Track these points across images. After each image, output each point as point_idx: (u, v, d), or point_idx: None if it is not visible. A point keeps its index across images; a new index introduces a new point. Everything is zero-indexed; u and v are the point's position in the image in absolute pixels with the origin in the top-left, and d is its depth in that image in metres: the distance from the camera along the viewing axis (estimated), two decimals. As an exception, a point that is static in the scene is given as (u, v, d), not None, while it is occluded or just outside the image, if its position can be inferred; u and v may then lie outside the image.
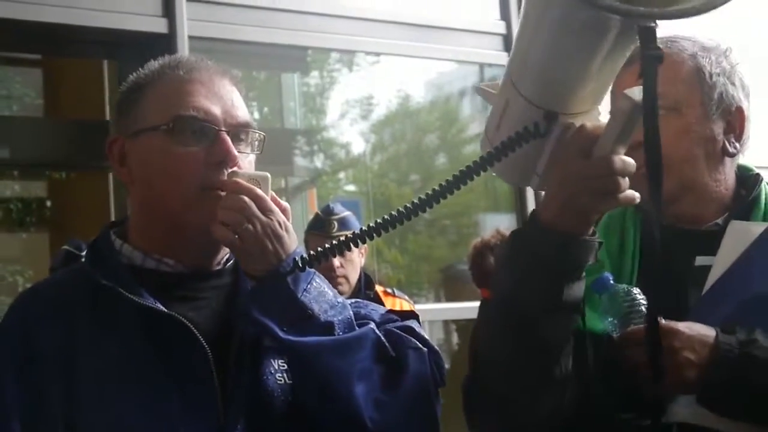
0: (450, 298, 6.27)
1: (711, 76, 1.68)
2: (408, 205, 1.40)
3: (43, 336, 1.47)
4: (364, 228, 1.45)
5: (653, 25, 1.19)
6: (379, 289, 4.34)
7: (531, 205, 5.47)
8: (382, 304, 4.09)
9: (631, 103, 1.28)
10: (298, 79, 6.77)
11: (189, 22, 4.56)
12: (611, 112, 1.33)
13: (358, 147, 7.17)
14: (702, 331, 1.49)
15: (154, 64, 1.61)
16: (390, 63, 6.19)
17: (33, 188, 8.12)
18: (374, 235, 1.44)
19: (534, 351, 1.46)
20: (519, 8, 5.59)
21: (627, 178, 1.34)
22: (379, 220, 1.43)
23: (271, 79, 6.71)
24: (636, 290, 1.55)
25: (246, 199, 1.46)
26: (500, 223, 5.44)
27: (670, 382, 1.46)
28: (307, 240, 4.07)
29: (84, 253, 4.65)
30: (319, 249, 1.47)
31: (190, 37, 4.53)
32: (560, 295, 1.41)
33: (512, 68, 1.40)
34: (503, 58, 5.59)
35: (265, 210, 1.47)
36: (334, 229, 4.05)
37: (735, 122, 1.70)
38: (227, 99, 1.56)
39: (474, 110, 6.73)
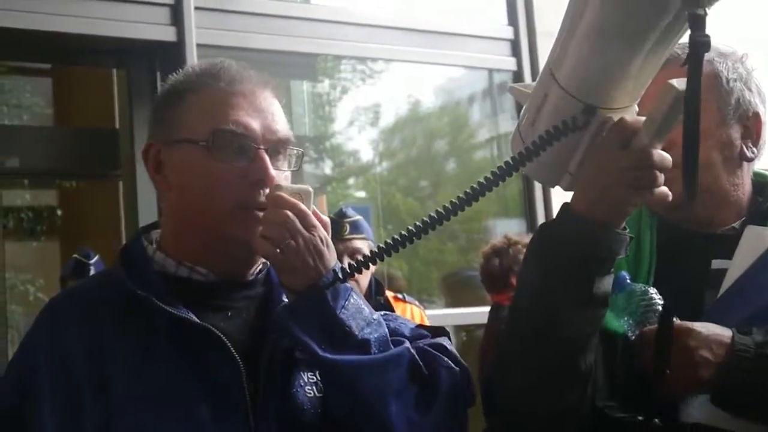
0: (455, 304, 6.26)
1: (728, 81, 1.69)
2: (447, 205, 1.39)
3: (74, 349, 1.46)
4: (404, 232, 1.44)
5: (704, 13, 1.21)
6: (389, 294, 4.34)
7: (540, 211, 5.47)
8: (392, 309, 4.10)
9: (675, 93, 1.29)
10: (307, 86, 6.78)
11: (197, 31, 4.57)
12: (654, 104, 1.33)
13: (368, 153, 7.18)
14: (718, 331, 1.49)
15: (193, 71, 1.59)
16: (399, 69, 6.20)
17: (43, 197, 8.16)
18: (413, 239, 1.43)
19: (561, 344, 1.45)
20: (526, 14, 5.59)
21: (663, 175, 1.36)
22: (418, 223, 1.42)
23: (279, 86, 6.72)
24: (653, 290, 1.55)
25: (289, 214, 1.45)
26: (510, 229, 5.43)
27: (684, 381, 1.47)
28: None
29: (92, 262, 4.66)
30: (359, 258, 1.47)
31: (199, 45, 4.55)
32: (591, 287, 1.41)
33: (553, 59, 1.39)
34: (511, 64, 5.60)
35: (308, 226, 1.46)
36: (346, 232, 4.04)
37: (752, 127, 1.71)
38: (268, 113, 1.54)
39: (483, 116, 6.73)
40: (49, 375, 1.44)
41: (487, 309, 4.54)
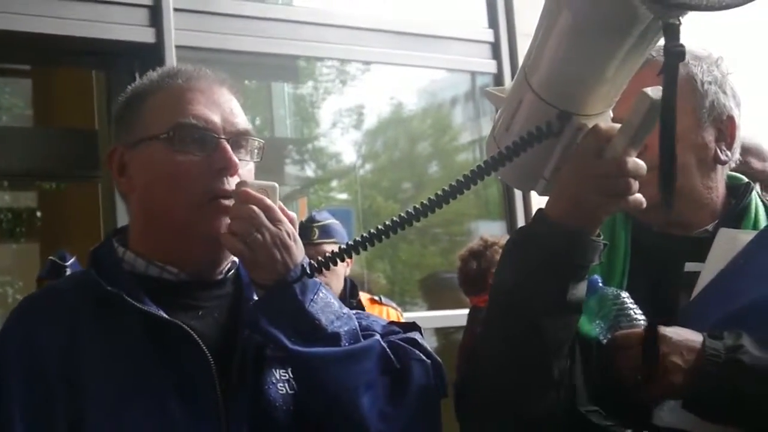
0: (434, 307, 6.26)
1: (703, 84, 1.69)
2: (417, 206, 1.40)
3: (46, 344, 1.46)
4: (373, 230, 1.44)
5: (677, 22, 1.21)
6: (365, 296, 4.34)
7: (520, 213, 5.48)
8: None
9: (650, 101, 1.29)
10: (289, 88, 6.77)
11: (176, 32, 4.57)
12: (629, 113, 1.34)
13: (350, 156, 7.17)
14: (689, 336, 1.50)
15: (152, 75, 1.62)
16: (381, 71, 6.20)
17: (23, 199, 8.12)
18: (382, 237, 1.44)
19: (534, 350, 1.46)
20: (506, 17, 5.61)
21: (637, 182, 1.36)
22: (388, 222, 1.43)
23: (261, 88, 6.71)
24: (625, 294, 1.55)
25: (255, 208, 1.46)
26: (491, 231, 5.45)
27: (656, 386, 1.47)
28: None
29: (68, 263, 4.64)
30: (327, 255, 1.48)
31: (178, 47, 4.55)
32: (565, 293, 1.42)
33: (528, 65, 1.40)
34: (492, 66, 5.62)
35: (274, 220, 1.47)
36: (315, 236, 4.05)
37: (726, 130, 1.71)
38: (226, 107, 1.57)
39: (466, 118, 6.74)
40: (19, 370, 1.44)
41: (465, 311, 4.55)
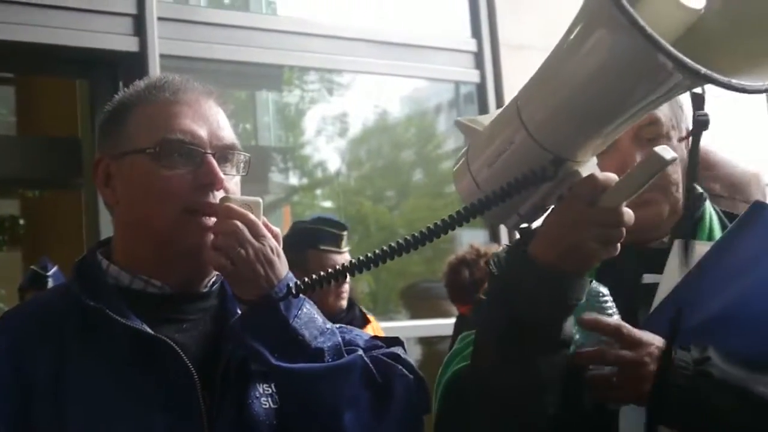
0: (415, 316, 6.25)
1: (682, 107, 1.72)
2: (401, 241, 1.40)
3: (32, 359, 1.46)
4: (354, 261, 1.44)
5: (701, 92, 1.23)
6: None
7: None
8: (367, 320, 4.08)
9: (662, 163, 1.33)
10: (273, 96, 6.78)
11: (160, 41, 4.57)
12: (636, 169, 1.37)
13: (334, 163, 7.19)
14: (661, 345, 1.52)
15: (138, 85, 1.62)
16: (365, 79, 6.21)
17: (6, 206, 8.07)
18: (371, 265, 1.42)
19: (528, 388, 1.47)
20: (490, 27, 5.63)
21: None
22: (370, 254, 1.42)
23: (245, 97, 6.71)
24: (604, 289, 1.55)
25: (239, 224, 1.47)
26: (474, 239, 5.45)
27: (627, 393, 1.50)
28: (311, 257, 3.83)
29: (50, 273, 4.62)
30: (315, 276, 1.46)
31: (162, 56, 4.54)
32: (559, 332, 1.44)
33: (524, 103, 1.38)
34: (475, 76, 5.63)
35: (258, 235, 1.48)
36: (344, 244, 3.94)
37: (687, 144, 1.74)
38: (213, 120, 1.57)
39: (450, 126, 6.75)
40: (2, 384, 1.43)
41: (448, 321, 4.53)
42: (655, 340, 1.51)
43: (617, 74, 1.26)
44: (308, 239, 3.86)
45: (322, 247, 3.88)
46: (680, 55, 1.13)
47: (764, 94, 1.24)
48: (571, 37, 1.30)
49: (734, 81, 1.17)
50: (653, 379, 1.48)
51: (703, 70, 1.14)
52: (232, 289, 1.55)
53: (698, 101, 1.29)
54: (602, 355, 1.51)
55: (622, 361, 1.49)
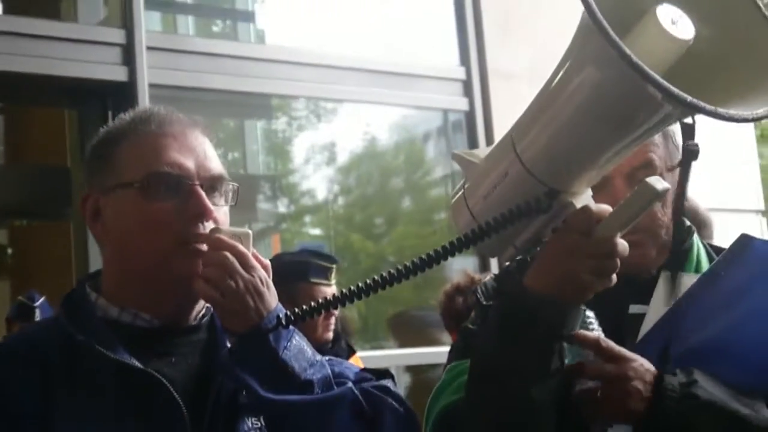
0: (403, 345, 6.22)
1: (674, 138, 1.72)
2: (393, 271, 1.41)
3: (18, 395, 1.44)
4: (345, 291, 1.45)
5: (693, 122, 1.27)
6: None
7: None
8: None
9: (654, 193, 1.34)
10: (262, 124, 6.79)
11: (149, 71, 4.57)
12: (628, 199, 1.38)
13: (323, 191, 7.19)
14: (650, 367, 1.54)
15: (123, 118, 1.61)
16: (354, 107, 6.23)
17: (-6, 235, 8.05)
18: (362, 295, 1.44)
19: (524, 416, 1.48)
20: (478, 55, 5.66)
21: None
22: (361, 284, 1.44)
23: (234, 125, 6.73)
24: (590, 312, 1.56)
25: (228, 255, 1.47)
26: (464, 266, 5.45)
27: (614, 408, 1.51)
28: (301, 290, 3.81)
29: (37, 304, 4.59)
30: (305, 307, 1.47)
31: (151, 85, 4.54)
32: (552, 361, 1.45)
33: (519, 136, 1.39)
34: (464, 104, 5.65)
35: (247, 266, 1.48)
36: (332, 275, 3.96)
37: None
38: (200, 151, 1.56)
39: (438, 153, 6.77)
40: None
41: (437, 349, 4.52)
42: (638, 358, 1.53)
43: (607, 106, 1.27)
44: (298, 272, 3.86)
45: (312, 280, 3.86)
46: (666, 84, 1.15)
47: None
48: (562, 70, 1.32)
49: (720, 110, 1.18)
50: (645, 402, 1.49)
51: (689, 98, 1.15)
52: (222, 321, 1.54)
53: (688, 131, 1.30)
54: (582, 369, 1.52)
55: (603, 374, 1.51)
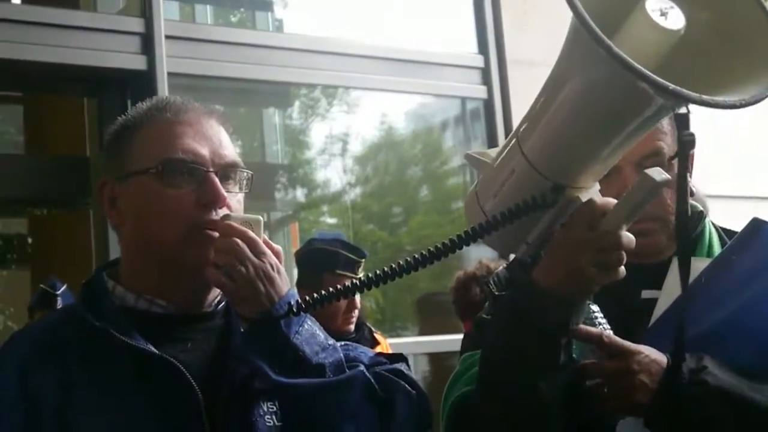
0: (428, 328, 6.23)
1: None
2: (402, 263, 1.42)
3: (38, 379, 1.47)
4: (356, 281, 1.47)
5: (687, 111, 1.28)
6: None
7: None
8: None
9: (654, 184, 1.35)
10: (280, 113, 6.80)
11: (168, 59, 4.58)
12: (629, 192, 1.39)
13: (340, 181, 7.19)
14: (657, 357, 1.54)
15: (141, 107, 1.63)
16: (371, 96, 6.23)
17: (14, 225, 8.11)
18: (372, 285, 1.46)
19: (532, 410, 1.50)
20: (497, 43, 5.64)
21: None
22: (371, 275, 1.45)
23: (251, 114, 6.74)
24: (595, 306, 1.58)
25: (239, 241, 1.48)
26: (482, 254, 5.44)
27: (622, 403, 1.52)
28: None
29: (59, 292, 4.62)
30: (316, 295, 1.48)
31: (170, 74, 4.56)
32: (560, 355, 1.47)
33: (522, 134, 1.42)
34: (482, 92, 5.64)
35: (258, 252, 1.49)
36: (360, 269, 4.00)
37: (690, 162, 1.74)
38: (215, 139, 1.58)
39: (456, 142, 6.76)
40: (11, 405, 1.45)
41: (458, 336, 4.51)
42: (643, 349, 1.54)
43: (599, 102, 1.29)
44: (327, 261, 3.89)
45: (339, 272, 3.88)
46: (647, 72, 1.15)
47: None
48: (558, 69, 1.34)
49: (705, 97, 1.18)
50: (655, 390, 1.50)
51: (671, 86, 1.16)
52: (233, 307, 1.56)
53: (683, 121, 1.32)
54: (584, 369, 1.54)
55: (605, 371, 1.53)
